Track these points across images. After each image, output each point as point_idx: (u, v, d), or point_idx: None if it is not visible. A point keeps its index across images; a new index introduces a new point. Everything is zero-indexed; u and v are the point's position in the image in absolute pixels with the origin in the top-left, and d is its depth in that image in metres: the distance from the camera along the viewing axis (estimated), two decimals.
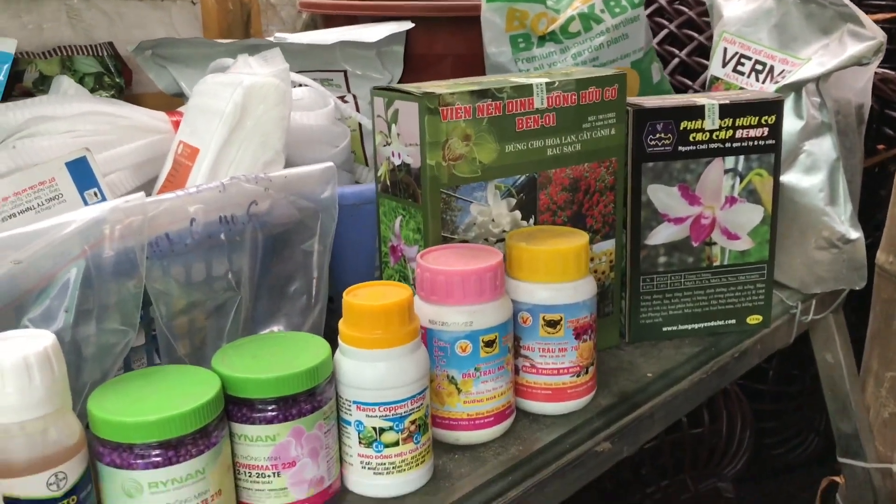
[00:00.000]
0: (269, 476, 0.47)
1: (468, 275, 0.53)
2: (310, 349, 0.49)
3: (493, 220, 0.61)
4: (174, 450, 0.42)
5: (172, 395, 0.44)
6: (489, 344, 0.54)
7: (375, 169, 0.62)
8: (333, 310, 0.63)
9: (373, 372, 0.49)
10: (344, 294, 0.50)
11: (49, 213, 0.50)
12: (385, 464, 0.50)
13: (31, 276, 0.44)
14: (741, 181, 0.69)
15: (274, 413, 0.46)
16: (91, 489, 0.42)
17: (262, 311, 0.55)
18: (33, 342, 0.40)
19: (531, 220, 0.62)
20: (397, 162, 0.60)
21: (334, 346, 0.50)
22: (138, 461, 0.42)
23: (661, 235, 0.69)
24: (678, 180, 0.68)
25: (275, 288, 0.56)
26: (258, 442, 0.46)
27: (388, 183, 0.61)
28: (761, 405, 1.14)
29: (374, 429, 0.49)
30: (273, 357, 0.48)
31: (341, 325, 0.50)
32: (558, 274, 0.57)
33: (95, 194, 0.52)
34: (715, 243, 0.70)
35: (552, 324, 0.57)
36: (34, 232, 0.45)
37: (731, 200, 0.69)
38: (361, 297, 0.50)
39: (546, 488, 0.55)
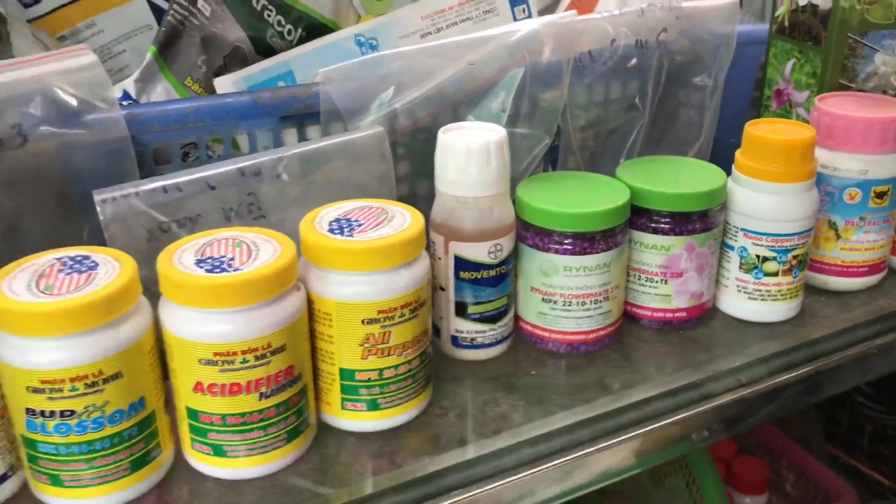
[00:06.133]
0: (657, 282, 0.52)
1: (872, 122, 0.53)
2: (706, 174, 0.52)
3: (895, 73, 0.59)
4: (588, 242, 0.48)
5: (588, 195, 0.49)
6: (880, 195, 0.54)
7: (773, 9, 0.62)
8: None
9: (766, 203, 0.51)
10: (746, 126, 0.52)
11: (483, 24, 0.56)
12: (761, 290, 0.53)
13: (479, 77, 0.51)
14: None
15: (670, 226, 0.51)
16: (514, 263, 0.50)
17: (655, 136, 0.59)
18: (490, 132, 0.46)
19: None
20: (802, 2, 0.59)
21: None
22: (556, 246, 0.48)
23: None
24: None
25: (668, 116, 0.59)
26: (653, 250, 0.51)
27: (787, 24, 0.61)
28: None
29: (758, 256, 0.52)
30: (671, 176, 0.52)
31: (739, 155, 0.53)
32: None
33: (524, 10, 0.57)
34: None
35: None
36: (484, 38, 0.51)
37: None
38: (765, 131, 0.52)
39: None
